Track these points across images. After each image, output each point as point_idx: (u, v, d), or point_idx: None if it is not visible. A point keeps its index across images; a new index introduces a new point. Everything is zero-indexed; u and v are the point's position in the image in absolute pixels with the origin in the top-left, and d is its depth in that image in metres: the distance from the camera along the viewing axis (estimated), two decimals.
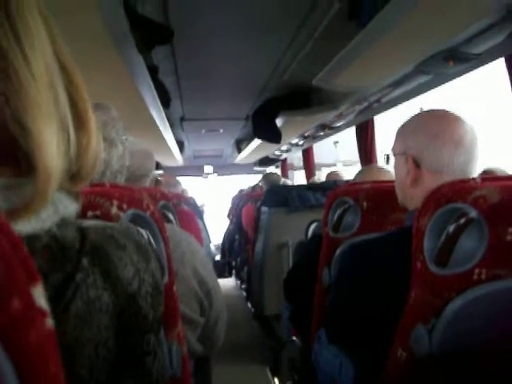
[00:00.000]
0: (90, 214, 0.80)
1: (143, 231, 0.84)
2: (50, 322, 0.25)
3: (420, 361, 1.03)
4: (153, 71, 2.44)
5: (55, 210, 0.44)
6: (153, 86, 2.42)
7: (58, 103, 0.44)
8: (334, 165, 6.38)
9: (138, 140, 1.37)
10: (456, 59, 1.99)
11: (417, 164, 1.29)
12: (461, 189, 0.99)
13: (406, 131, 1.34)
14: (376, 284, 1.19)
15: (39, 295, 0.25)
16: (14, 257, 0.23)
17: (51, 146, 0.41)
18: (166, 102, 3.04)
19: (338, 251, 1.68)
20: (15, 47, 0.39)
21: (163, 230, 0.90)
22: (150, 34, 1.93)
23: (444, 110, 1.31)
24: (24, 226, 0.39)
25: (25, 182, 0.40)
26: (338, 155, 5.89)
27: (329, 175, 4.12)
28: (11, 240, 0.23)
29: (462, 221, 0.96)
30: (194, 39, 2.48)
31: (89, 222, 0.53)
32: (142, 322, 0.52)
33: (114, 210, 0.83)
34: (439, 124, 1.27)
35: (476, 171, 1.26)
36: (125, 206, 0.84)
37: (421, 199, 1.22)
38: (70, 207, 0.47)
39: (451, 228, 0.97)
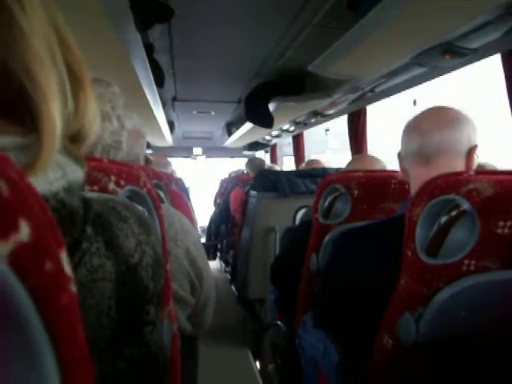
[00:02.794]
0: (86, 188, 0.80)
1: (140, 208, 0.84)
2: (74, 287, 0.25)
3: (406, 348, 1.04)
4: (149, 49, 2.43)
5: (63, 174, 0.44)
6: (148, 65, 2.41)
7: (55, 60, 0.44)
8: (324, 152, 6.40)
9: (135, 118, 1.37)
10: (452, 53, 2.00)
11: (401, 157, 1.38)
12: (454, 181, 1.00)
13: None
14: (366, 270, 1.20)
15: (65, 259, 0.25)
16: (43, 219, 0.23)
17: (56, 99, 0.42)
18: (159, 81, 3.02)
19: (327, 237, 1.69)
20: (15, 2, 0.39)
21: (159, 208, 0.91)
22: (149, 12, 1.92)
23: (432, 107, 1.33)
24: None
25: (33, 141, 0.40)
26: (327, 142, 5.90)
27: (308, 163, 4.13)
28: (39, 203, 0.23)
29: (455, 212, 0.97)
30: (191, 19, 2.46)
31: (91, 194, 0.53)
32: (143, 293, 0.52)
33: (112, 186, 0.83)
34: (409, 119, 1.33)
35: (444, 157, 1.25)
36: (122, 183, 0.84)
37: (412, 188, 1.27)
38: (77, 173, 0.47)
39: (443, 219, 0.98)
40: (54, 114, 0.41)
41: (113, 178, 0.83)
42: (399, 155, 1.37)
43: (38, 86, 0.40)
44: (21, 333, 0.20)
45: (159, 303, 0.57)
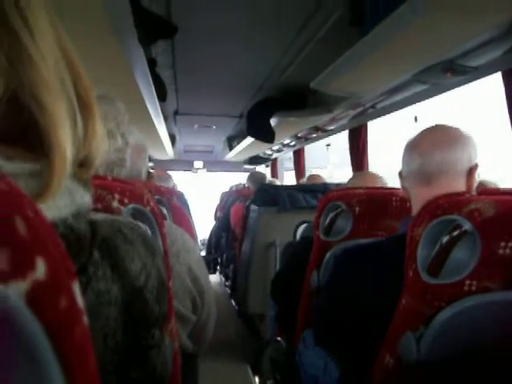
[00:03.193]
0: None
1: (143, 226, 0.84)
2: (86, 319, 0.25)
3: (407, 368, 1.04)
4: (151, 64, 2.44)
5: (72, 200, 0.44)
6: (151, 79, 2.42)
7: (64, 86, 0.44)
8: (325, 167, 6.40)
9: (136, 132, 1.37)
10: (453, 71, 2.01)
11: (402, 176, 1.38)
12: (456, 201, 1.00)
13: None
14: (367, 289, 1.20)
15: (77, 292, 0.25)
16: (58, 255, 0.23)
17: (65, 124, 0.42)
18: (162, 95, 3.03)
19: (328, 254, 1.69)
20: (23, 27, 0.40)
21: (161, 226, 0.91)
22: (153, 28, 1.93)
23: (434, 125, 1.33)
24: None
25: (42, 168, 0.40)
26: (328, 157, 5.90)
27: (310, 178, 4.14)
28: (53, 238, 0.24)
29: (456, 232, 0.98)
30: (194, 35, 2.48)
31: (96, 215, 0.54)
32: (148, 316, 0.52)
33: (116, 204, 0.83)
34: (410, 138, 1.33)
35: (444, 177, 1.25)
36: (126, 201, 0.84)
37: (414, 207, 1.27)
38: (85, 198, 0.47)
39: (445, 239, 0.99)
40: (64, 141, 0.41)
41: (116, 196, 0.83)
42: (400, 174, 1.38)
43: (48, 113, 0.40)
44: (35, 368, 0.21)
45: (164, 325, 0.57)
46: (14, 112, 0.40)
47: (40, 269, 0.21)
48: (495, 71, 2.01)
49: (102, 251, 0.48)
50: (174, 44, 2.61)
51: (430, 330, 1.00)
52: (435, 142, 1.25)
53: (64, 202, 0.43)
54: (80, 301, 0.25)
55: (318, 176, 4.03)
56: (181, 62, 3.01)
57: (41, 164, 0.41)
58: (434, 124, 1.33)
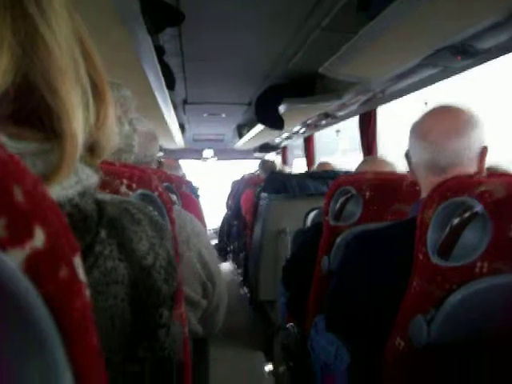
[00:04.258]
0: (98, 191, 0.81)
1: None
2: (88, 293, 0.25)
3: (418, 350, 1.04)
4: (159, 52, 2.44)
5: (78, 180, 0.44)
6: (159, 68, 2.41)
7: (78, 72, 0.44)
8: (334, 153, 6.39)
9: (146, 122, 1.37)
10: (464, 54, 1.99)
11: (410, 160, 1.35)
12: (467, 183, 0.99)
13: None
14: (379, 273, 1.20)
15: (79, 265, 0.25)
16: (58, 226, 0.23)
17: (78, 110, 0.42)
18: (170, 84, 3.03)
19: (338, 239, 1.69)
20: (39, 14, 0.40)
21: (170, 211, 0.91)
22: (160, 16, 1.93)
23: (440, 106, 1.31)
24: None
25: (51, 148, 0.41)
26: (337, 144, 5.88)
27: (320, 165, 4.13)
28: (54, 209, 0.24)
29: (467, 214, 0.97)
30: (201, 22, 2.47)
31: (104, 196, 0.54)
32: (156, 296, 0.53)
33: (124, 189, 0.83)
34: (418, 120, 1.31)
35: (458, 166, 1.23)
36: (134, 186, 0.85)
37: (423, 191, 1.26)
38: (91, 178, 0.47)
39: (455, 221, 0.98)
40: (76, 127, 0.42)
41: (125, 181, 0.84)
42: (407, 156, 1.36)
43: (60, 100, 0.41)
44: (35, 338, 0.20)
45: (172, 306, 0.57)
46: (25, 95, 0.40)
47: (38, 237, 0.21)
48: (506, 53, 1.99)
49: (108, 230, 0.48)
50: (181, 32, 2.60)
51: (441, 313, 0.99)
52: (447, 130, 1.22)
53: (69, 182, 0.43)
54: (82, 274, 0.25)
55: (328, 163, 4.03)
56: (189, 50, 3.00)
57: (50, 144, 0.41)
58: (440, 105, 1.31)
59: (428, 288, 1.03)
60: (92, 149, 0.49)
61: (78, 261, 0.25)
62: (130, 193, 0.84)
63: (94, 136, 0.48)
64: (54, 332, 0.21)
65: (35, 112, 0.41)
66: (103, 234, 0.47)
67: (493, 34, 1.77)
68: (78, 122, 0.42)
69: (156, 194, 0.89)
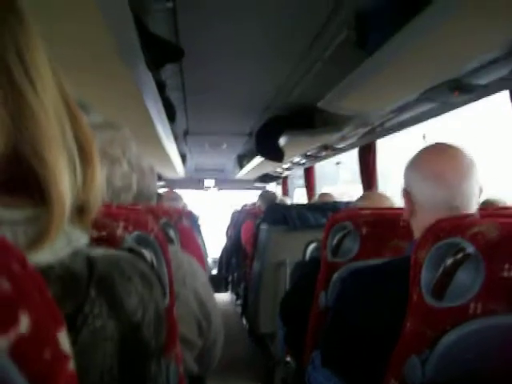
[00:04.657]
0: (95, 233, 0.81)
1: (147, 252, 0.85)
2: (72, 365, 0.26)
3: None
4: (160, 86, 2.47)
5: (68, 242, 0.45)
6: (160, 102, 2.45)
7: (65, 137, 0.45)
8: (335, 184, 6.41)
9: (146, 158, 1.39)
10: (461, 89, 2.01)
11: (409, 197, 1.33)
12: (459, 224, 1.00)
13: (406, 166, 1.37)
14: (374, 310, 1.20)
15: (64, 339, 0.26)
16: (43, 304, 0.24)
17: (64, 175, 0.43)
18: (171, 116, 3.06)
19: (335, 275, 1.69)
20: (27, 82, 0.41)
21: (166, 252, 0.92)
22: (160, 53, 1.96)
23: (441, 144, 1.32)
24: (39, 258, 0.40)
25: (40, 214, 0.42)
26: (338, 175, 5.90)
27: (321, 196, 4.14)
28: (38, 284, 0.24)
29: (460, 256, 0.98)
30: (201, 55, 2.51)
31: (97, 251, 0.55)
32: (145, 350, 0.53)
33: (120, 232, 0.84)
34: (424, 158, 1.31)
35: (468, 206, 1.24)
36: (130, 228, 0.85)
37: (418, 231, 1.26)
38: (81, 239, 0.48)
39: (448, 262, 0.99)
40: (64, 191, 0.43)
41: (121, 223, 0.85)
42: (407, 193, 1.35)
43: (48, 167, 0.42)
44: None
45: (161, 355, 0.58)
46: (14, 165, 0.41)
47: (23, 323, 0.22)
48: (503, 89, 2.01)
49: (98, 289, 0.49)
50: (182, 66, 2.63)
51: (435, 353, 0.99)
52: (460, 170, 1.24)
53: (60, 244, 0.44)
54: (66, 348, 0.26)
55: (329, 194, 4.04)
56: (190, 84, 3.04)
57: (39, 210, 0.42)
58: (437, 143, 1.32)
59: (422, 328, 1.03)
60: (81, 209, 0.50)
61: (63, 335, 0.26)
62: (127, 234, 0.85)
63: (81, 197, 0.48)
64: None
65: (23, 179, 0.42)
66: (93, 293, 0.48)
67: (490, 70, 1.80)
68: (64, 187, 0.43)
69: (152, 236, 0.89)
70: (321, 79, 2.75)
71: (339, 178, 6.05)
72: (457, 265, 0.98)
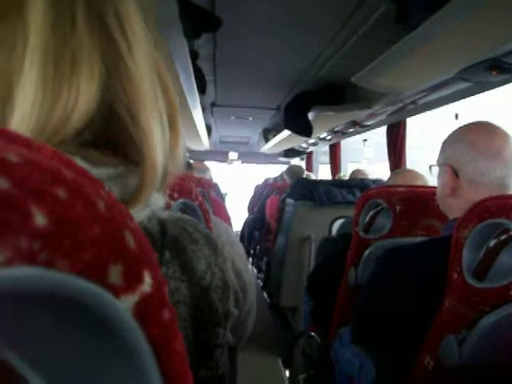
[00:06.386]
0: None
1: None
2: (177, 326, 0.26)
3: (447, 371, 1.04)
4: (193, 56, 2.45)
5: (148, 204, 0.45)
6: (192, 72, 2.43)
7: (157, 101, 0.45)
8: (359, 161, 6.37)
9: None
10: (499, 69, 1.97)
11: (456, 174, 1.29)
12: (505, 204, 0.99)
13: (447, 142, 1.34)
14: (409, 290, 1.19)
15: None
16: (158, 268, 0.24)
17: (158, 140, 0.43)
18: (201, 87, 3.04)
19: (367, 252, 1.68)
20: (124, 42, 0.41)
21: (209, 222, 0.92)
22: (197, 21, 1.94)
23: (486, 122, 1.30)
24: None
25: (127, 173, 0.42)
26: (363, 152, 5.85)
27: (354, 173, 4.12)
28: (151, 247, 0.24)
29: (504, 237, 0.96)
30: (236, 28, 2.48)
31: (164, 214, 0.55)
32: (214, 315, 0.53)
33: (166, 199, 0.84)
34: (478, 135, 1.28)
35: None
36: (176, 195, 0.86)
37: (460, 209, 1.23)
38: (158, 201, 0.48)
39: (492, 242, 0.97)
40: (157, 152, 0.43)
41: (166, 191, 0.85)
42: (452, 169, 1.32)
43: (141, 129, 0.42)
44: (140, 380, 0.21)
45: (226, 325, 0.58)
46: (106, 123, 0.41)
47: (147, 281, 0.22)
48: None
49: (171, 251, 0.49)
50: (215, 36, 2.61)
51: (474, 334, 0.99)
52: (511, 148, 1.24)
53: (140, 206, 0.44)
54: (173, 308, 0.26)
55: (362, 172, 4.02)
56: (221, 55, 3.02)
57: (131, 169, 0.42)
58: (483, 121, 1.31)
59: (461, 308, 1.02)
60: (164, 173, 0.50)
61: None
62: (172, 202, 0.85)
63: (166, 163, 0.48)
64: (157, 374, 0.22)
65: (113, 139, 0.42)
66: (167, 254, 0.48)
67: None
68: (157, 148, 0.43)
69: (196, 203, 0.89)
70: (354, 55, 2.71)
71: (363, 156, 5.98)
72: (501, 246, 0.96)
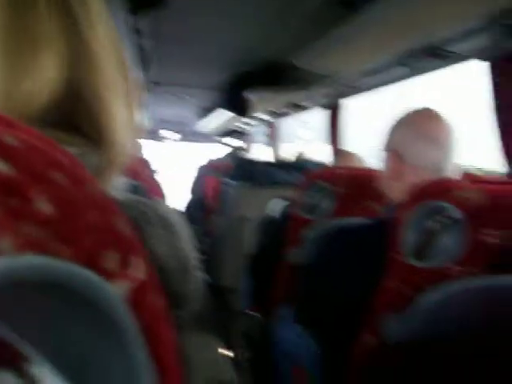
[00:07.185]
0: None
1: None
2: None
3: (388, 348, 1.07)
4: (135, 33, 2.40)
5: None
6: (134, 49, 2.39)
7: (119, 80, 0.45)
8: (295, 142, 6.42)
9: None
10: (436, 55, 2.02)
11: (398, 158, 1.33)
12: (445, 187, 1.02)
13: (391, 127, 1.38)
14: (352, 271, 1.22)
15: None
16: (145, 252, 0.24)
17: (122, 118, 0.43)
18: (143, 65, 2.99)
19: (309, 232, 1.70)
20: (88, 24, 0.40)
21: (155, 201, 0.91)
22: None
23: (427, 109, 1.34)
24: None
25: (95, 153, 0.41)
26: (301, 133, 5.90)
27: (293, 154, 4.16)
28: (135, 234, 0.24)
29: (443, 219, 0.99)
30: (178, 5, 2.44)
31: (122, 195, 0.54)
32: (173, 298, 0.53)
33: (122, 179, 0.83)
34: (418, 120, 1.32)
35: (450, 169, 1.29)
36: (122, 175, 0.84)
37: (402, 192, 1.27)
38: (116, 182, 0.48)
39: (432, 224, 1.01)
40: (120, 136, 0.42)
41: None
42: (395, 154, 1.35)
43: (106, 108, 0.41)
44: (129, 365, 0.21)
45: (186, 304, 0.58)
46: (69, 104, 0.40)
47: (141, 268, 0.21)
48: (477, 58, 2.03)
49: None
50: (158, 14, 2.56)
51: (413, 312, 1.02)
52: (450, 135, 1.28)
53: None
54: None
55: (303, 153, 4.06)
56: (161, 33, 2.97)
57: (96, 149, 0.41)
58: (424, 107, 1.34)
59: (401, 287, 1.05)
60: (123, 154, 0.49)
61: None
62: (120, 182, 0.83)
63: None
64: (146, 358, 0.22)
65: (77, 119, 0.41)
66: None
67: (465, 39, 1.81)
68: (121, 132, 0.42)
69: (142, 184, 0.88)
70: (296, 36, 2.71)
71: (298, 136, 6.03)
72: (440, 227, 1.00)
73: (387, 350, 1.07)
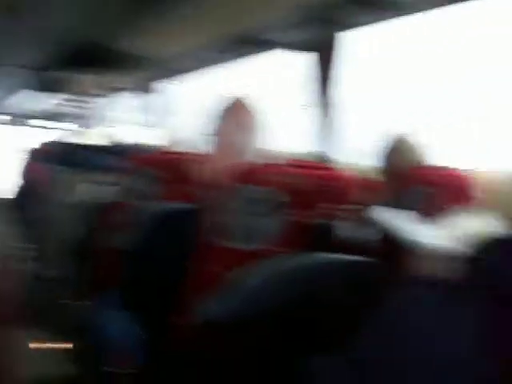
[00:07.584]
0: None
1: None
2: None
3: (206, 328, 1.09)
4: None
5: None
6: None
7: None
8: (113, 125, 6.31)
9: None
10: (249, 43, 2.11)
11: (214, 142, 1.40)
12: (264, 171, 1.07)
13: (210, 114, 1.44)
14: (171, 255, 1.24)
15: None
16: None
17: None
18: None
19: (133, 218, 1.70)
20: None
21: None
22: None
23: (236, 97, 1.42)
24: None
25: None
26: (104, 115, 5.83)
27: (110, 137, 4.13)
28: None
29: (263, 203, 1.04)
30: None
31: None
32: None
33: None
34: (228, 108, 1.40)
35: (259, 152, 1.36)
36: None
37: (216, 174, 1.33)
38: None
39: (247, 207, 1.05)
40: None
41: None
42: (213, 139, 1.42)
43: None
44: None
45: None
46: None
47: None
48: (295, 49, 2.13)
49: None
50: None
51: (233, 293, 1.06)
52: (257, 120, 1.38)
53: None
54: None
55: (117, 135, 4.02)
56: None
57: None
58: (236, 97, 1.41)
59: (213, 269, 1.09)
60: None
61: None
62: None
63: None
64: None
65: None
66: None
67: (287, 29, 1.91)
68: None
69: None
70: (115, 18, 2.67)
71: (107, 117, 5.89)
72: (261, 211, 1.04)
73: (205, 331, 1.10)
